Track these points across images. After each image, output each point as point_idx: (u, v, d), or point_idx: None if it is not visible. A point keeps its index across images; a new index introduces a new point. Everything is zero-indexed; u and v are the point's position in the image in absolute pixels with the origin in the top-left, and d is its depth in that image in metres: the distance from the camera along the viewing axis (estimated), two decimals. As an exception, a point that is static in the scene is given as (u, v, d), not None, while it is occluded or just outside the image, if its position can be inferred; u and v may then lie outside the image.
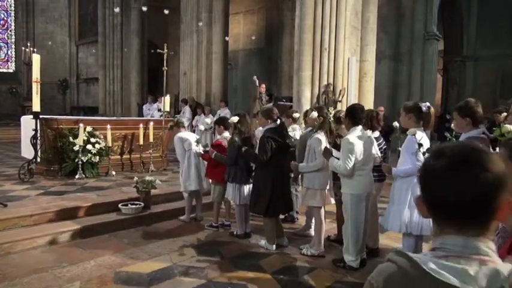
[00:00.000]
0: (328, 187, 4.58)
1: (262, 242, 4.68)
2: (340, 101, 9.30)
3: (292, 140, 5.32)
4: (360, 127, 4.00)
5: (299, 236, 5.17)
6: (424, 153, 3.35)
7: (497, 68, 16.29)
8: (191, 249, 4.59)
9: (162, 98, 9.05)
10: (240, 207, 4.99)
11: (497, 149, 3.08)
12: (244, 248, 4.68)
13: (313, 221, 5.16)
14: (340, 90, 9.37)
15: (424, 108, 3.64)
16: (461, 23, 17.19)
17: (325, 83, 9.33)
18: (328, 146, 4.31)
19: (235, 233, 5.09)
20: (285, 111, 6.69)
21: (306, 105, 9.25)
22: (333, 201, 4.73)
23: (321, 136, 4.47)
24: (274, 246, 4.60)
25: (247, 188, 4.91)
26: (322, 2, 9.13)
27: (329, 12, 9.15)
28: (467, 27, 17.29)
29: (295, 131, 5.83)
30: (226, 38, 13.67)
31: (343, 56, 9.35)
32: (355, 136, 3.91)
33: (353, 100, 9.35)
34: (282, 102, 10.68)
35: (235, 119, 4.85)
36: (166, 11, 13.17)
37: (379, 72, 11.37)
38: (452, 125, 3.53)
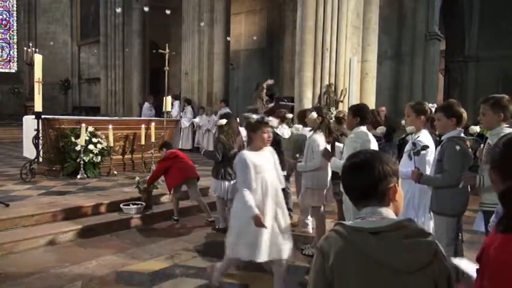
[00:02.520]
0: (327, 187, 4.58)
1: None
2: (341, 101, 9.30)
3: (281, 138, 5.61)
4: (364, 127, 3.99)
5: (297, 234, 5.19)
6: (415, 154, 3.34)
7: (499, 69, 16.23)
8: (193, 249, 4.60)
9: (164, 98, 9.05)
10: (221, 201, 5.24)
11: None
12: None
13: (309, 218, 5.33)
14: (342, 91, 9.37)
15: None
16: (463, 23, 17.15)
17: (327, 83, 9.33)
18: (327, 147, 4.31)
19: (217, 226, 5.27)
20: (276, 112, 6.92)
21: (308, 106, 9.23)
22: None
23: (320, 136, 4.48)
24: None
25: (227, 183, 5.14)
26: (323, 2, 9.13)
27: (330, 12, 9.15)
28: (469, 28, 17.24)
29: (284, 131, 6.04)
30: (228, 38, 13.68)
31: (344, 56, 9.35)
32: (359, 135, 3.91)
33: (354, 101, 9.35)
34: (284, 103, 10.67)
35: (223, 121, 5.16)
36: (168, 11, 13.18)
37: (380, 72, 11.34)
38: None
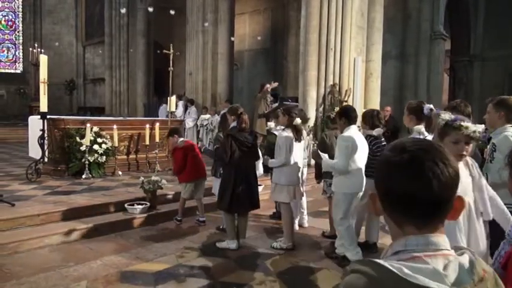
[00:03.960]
0: (298, 183, 4.73)
1: (224, 243, 4.67)
2: (346, 101, 9.28)
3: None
4: (354, 126, 4.15)
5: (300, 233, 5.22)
6: None
7: (504, 68, 16.15)
8: (197, 249, 4.60)
9: (168, 98, 9.08)
10: None
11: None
12: (250, 249, 4.67)
13: (305, 215, 5.51)
14: (346, 90, 9.35)
15: (425, 111, 3.61)
16: (468, 23, 17.06)
17: (331, 83, 9.32)
18: (316, 148, 4.45)
19: (221, 226, 5.19)
20: (273, 112, 6.98)
21: (312, 106, 9.24)
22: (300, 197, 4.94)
23: (287, 134, 4.60)
24: (235, 244, 4.60)
25: None
26: (327, 2, 9.12)
27: (335, 12, 9.14)
28: (475, 27, 17.16)
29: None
30: (232, 38, 13.69)
31: (349, 56, 9.34)
32: (350, 135, 4.05)
33: (359, 100, 9.33)
34: (288, 103, 10.66)
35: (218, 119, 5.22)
36: (172, 12, 13.22)
37: (385, 72, 11.32)
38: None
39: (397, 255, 0.89)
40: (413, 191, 0.87)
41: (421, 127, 3.63)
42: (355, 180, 4.10)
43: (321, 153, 4.40)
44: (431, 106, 3.70)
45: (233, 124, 4.75)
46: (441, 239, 0.89)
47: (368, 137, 4.49)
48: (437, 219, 0.90)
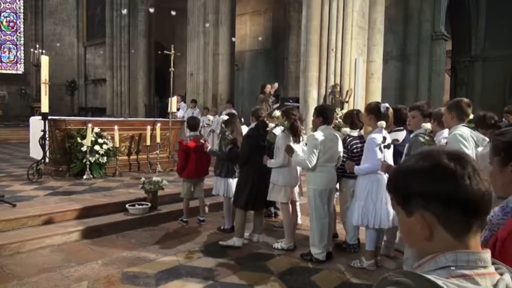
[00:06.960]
0: (296, 183, 4.81)
1: (230, 241, 4.71)
2: (347, 102, 9.28)
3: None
4: (329, 126, 4.28)
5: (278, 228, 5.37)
6: (386, 147, 3.79)
7: (506, 69, 16.14)
8: (198, 249, 4.60)
9: (169, 98, 9.08)
10: (227, 200, 5.22)
11: None
12: (251, 249, 4.68)
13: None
14: (347, 91, 9.35)
15: (382, 109, 3.94)
16: (470, 23, 17.05)
17: (332, 83, 9.31)
18: (290, 144, 4.47)
19: (222, 227, 5.23)
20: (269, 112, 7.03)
21: (313, 106, 9.21)
22: (297, 197, 4.98)
23: (286, 135, 4.64)
24: (241, 241, 4.67)
25: (234, 182, 5.12)
26: (328, 2, 9.12)
27: (336, 12, 9.14)
28: (476, 27, 17.14)
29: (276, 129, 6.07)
30: (233, 39, 13.69)
31: (350, 56, 9.33)
32: (322, 133, 4.16)
33: (360, 101, 9.32)
34: (289, 103, 10.67)
35: (225, 118, 5.25)
36: (173, 12, 13.22)
37: (386, 73, 11.31)
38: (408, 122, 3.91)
39: (444, 271, 0.81)
40: (476, 195, 0.83)
41: (384, 122, 3.93)
42: (325, 176, 4.21)
43: (293, 147, 4.45)
44: (387, 105, 4.02)
45: (251, 125, 4.88)
46: (489, 256, 0.84)
47: (346, 138, 4.56)
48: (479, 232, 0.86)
